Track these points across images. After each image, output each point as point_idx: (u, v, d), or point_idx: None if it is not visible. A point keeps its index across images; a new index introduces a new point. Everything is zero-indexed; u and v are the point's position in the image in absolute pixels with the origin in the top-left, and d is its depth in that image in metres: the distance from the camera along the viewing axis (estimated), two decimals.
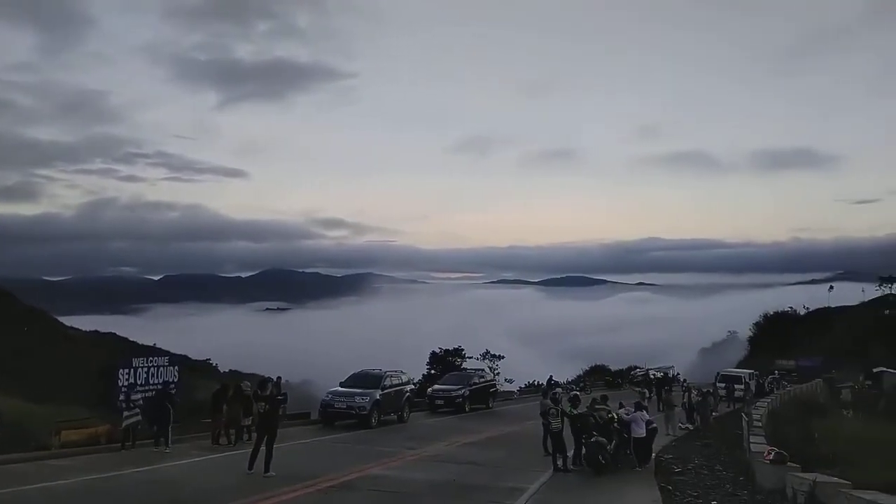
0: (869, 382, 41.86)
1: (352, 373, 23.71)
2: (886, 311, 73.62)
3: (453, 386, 28.74)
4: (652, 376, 48.91)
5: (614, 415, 15.77)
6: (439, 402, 27.72)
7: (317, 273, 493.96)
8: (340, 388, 22.19)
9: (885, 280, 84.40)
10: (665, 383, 31.68)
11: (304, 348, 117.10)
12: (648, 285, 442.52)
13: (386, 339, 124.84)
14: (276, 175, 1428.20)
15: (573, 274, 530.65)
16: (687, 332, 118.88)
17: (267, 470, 12.30)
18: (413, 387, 26.40)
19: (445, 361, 44.92)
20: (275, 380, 18.35)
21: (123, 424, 15.76)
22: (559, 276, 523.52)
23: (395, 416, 23.18)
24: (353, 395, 21.44)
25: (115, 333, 56.28)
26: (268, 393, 13.30)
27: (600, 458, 14.42)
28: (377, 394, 21.74)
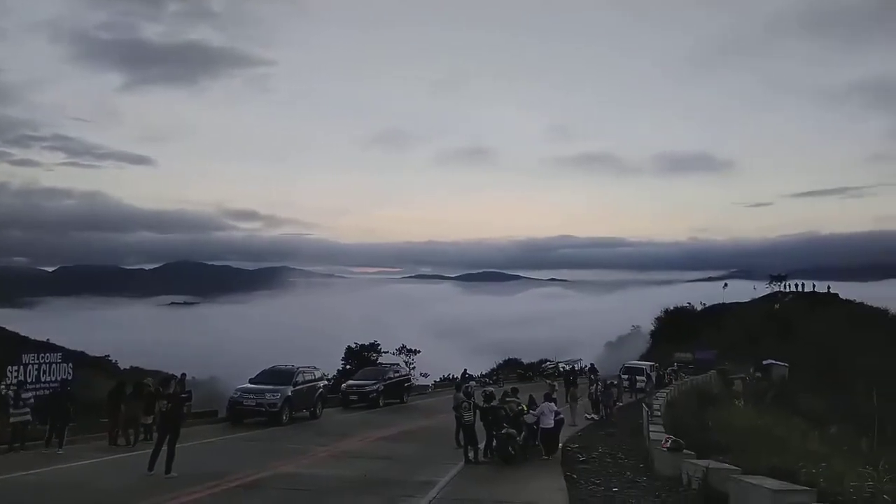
0: (759, 374, 45.02)
1: (262, 369, 23.10)
2: (776, 306, 79.45)
3: (368, 381, 28.58)
4: (562, 369, 50.56)
5: (524, 407, 16.17)
6: (353, 397, 27.49)
7: (227, 266, 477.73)
8: (250, 385, 21.56)
9: (774, 278, 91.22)
10: (572, 376, 32.70)
11: (212, 344, 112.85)
12: (560, 281, 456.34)
13: (300, 334, 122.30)
14: (185, 163, 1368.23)
15: (489, 269, 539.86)
16: (595, 326, 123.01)
17: (168, 471, 11.78)
18: (326, 382, 26.02)
19: (361, 356, 44.62)
20: (179, 377, 17.59)
21: (11, 421, 14.67)
22: (476, 272, 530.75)
23: (308, 413, 22.79)
24: (264, 391, 20.88)
25: (3, 328, 52.31)
26: (171, 391, 12.73)
27: (510, 449, 14.76)
28: (289, 390, 21.28)
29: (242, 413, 20.69)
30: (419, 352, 51.03)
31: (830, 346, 54.10)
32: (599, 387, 28.93)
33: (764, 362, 47.49)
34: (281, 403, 20.72)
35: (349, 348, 46.45)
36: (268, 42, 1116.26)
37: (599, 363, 56.27)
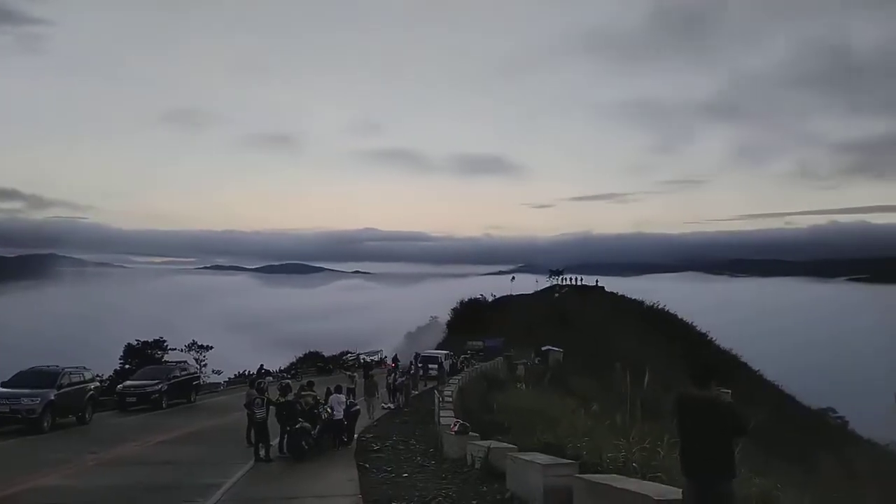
0: (538, 359, 49.33)
1: (19, 371, 20.18)
2: (556, 294, 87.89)
3: (149, 381, 26.26)
4: (363, 360, 50.97)
5: (320, 399, 16.02)
6: (131, 399, 25.08)
7: None
8: (2, 389, 18.75)
9: (553, 272, 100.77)
10: (370, 367, 33.19)
11: None
12: (364, 273, 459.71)
13: (71, 331, 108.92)
14: None
15: (292, 261, 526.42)
16: (396, 317, 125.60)
17: None
18: (98, 384, 23.47)
19: (144, 355, 40.88)
20: None
21: None
22: (277, 263, 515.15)
23: (75, 419, 20.36)
24: (19, 396, 18.25)
25: None
26: None
27: (303, 444, 14.54)
28: (51, 394, 18.82)
29: None
30: (212, 348, 48.15)
31: (597, 332, 61.17)
32: (398, 376, 29.68)
33: (543, 348, 52.07)
34: (41, 409, 18.27)
35: (129, 346, 42.31)
36: None
37: (399, 353, 57.67)
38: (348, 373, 30.75)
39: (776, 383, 61.34)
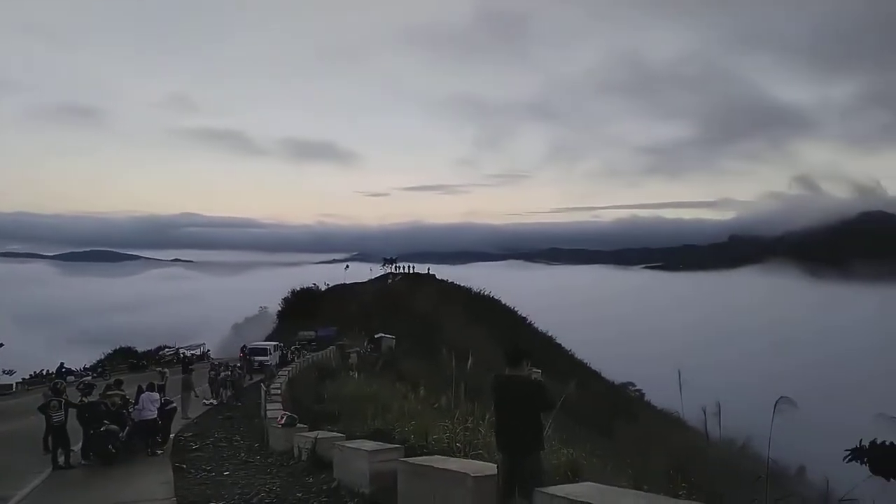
0: (371, 346, 49.59)
1: None
2: (389, 282, 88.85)
3: None
4: (182, 355, 47.76)
5: (130, 399, 14.75)
6: None
7: None
8: None
9: (387, 261, 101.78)
10: (190, 362, 31.22)
11: None
12: (185, 262, 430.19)
13: None
14: None
15: (99, 248, 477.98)
16: (221, 308, 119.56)
17: None
18: None
19: None
20: None
21: None
22: (81, 250, 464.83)
23: None
24: None
25: None
26: None
27: (110, 447, 13.30)
28: None
29: None
30: (1, 345, 42.34)
31: (428, 318, 62.92)
32: (222, 370, 28.26)
33: (376, 335, 52.45)
34: None
35: None
36: None
37: (226, 346, 54.98)
38: (158, 369, 28.65)
39: (585, 361, 67.28)
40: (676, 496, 6.93)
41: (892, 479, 4.42)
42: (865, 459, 4.52)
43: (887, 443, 4.57)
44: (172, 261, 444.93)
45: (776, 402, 6.63)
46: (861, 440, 4.66)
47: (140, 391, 15.95)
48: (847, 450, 4.63)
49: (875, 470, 4.49)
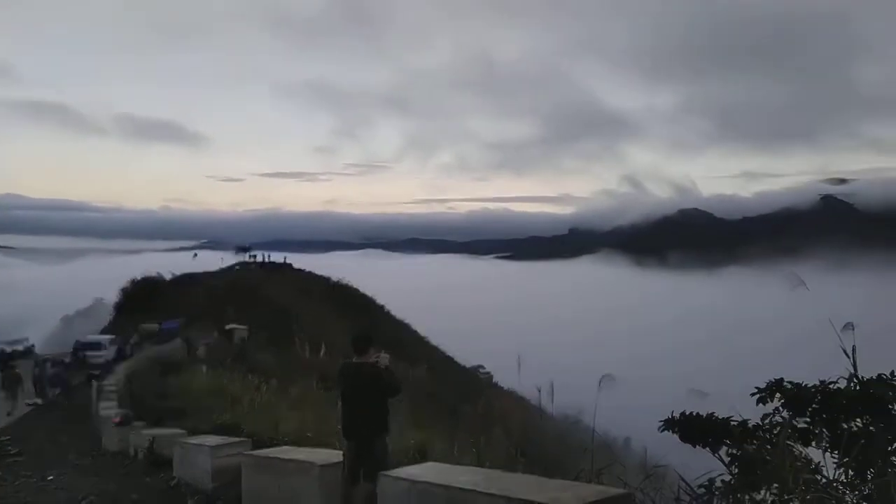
0: (222, 338, 47.47)
1: None
2: (237, 267, 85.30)
3: None
4: (2, 351, 42.89)
5: None
6: None
7: None
8: None
9: (241, 249, 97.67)
10: (10, 358, 28.18)
11: None
12: (5, 248, 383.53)
13: None
14: None
15: None
16: (49, 299, 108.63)
17: None
18: None
19: None
20: None
21: None
22: None
23: None
24: None
25: None
26: None
27: None
28: None
29: None
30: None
31: (284, 308, 61.35)
32: (49, 366, 25.87)
33: (226, 327, 50.31)
34: None
35: None
36: None
37: (55, 340, 50.16)
38: None
39: (439, 346, 69.09)
40: (514, 471, 7.42)
41: (697, 446, 5.10)
42: (676, 429, 5.19)
43: (694, 413, 5.27)
44: None
45: (600, 380, 7.32)
46: (672, 412, 5.33)
47: None
48: (661, 420, 5.27)
49: (683, 438, 5.17)
